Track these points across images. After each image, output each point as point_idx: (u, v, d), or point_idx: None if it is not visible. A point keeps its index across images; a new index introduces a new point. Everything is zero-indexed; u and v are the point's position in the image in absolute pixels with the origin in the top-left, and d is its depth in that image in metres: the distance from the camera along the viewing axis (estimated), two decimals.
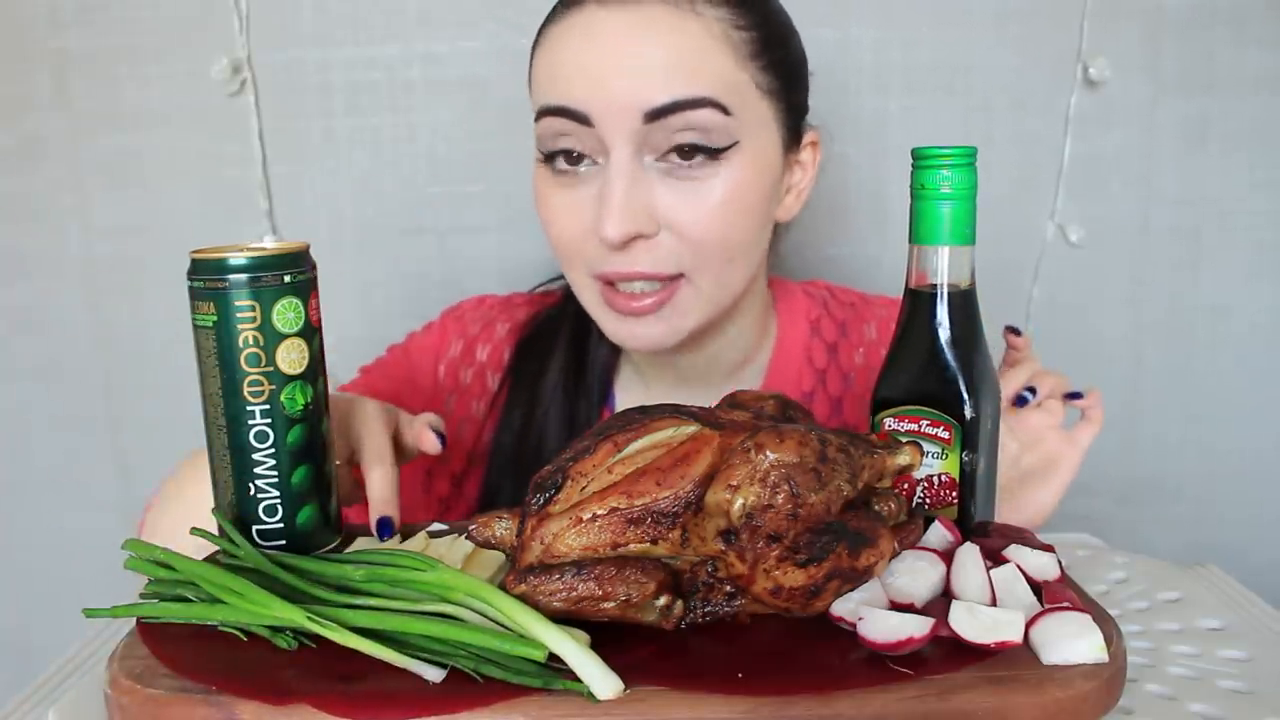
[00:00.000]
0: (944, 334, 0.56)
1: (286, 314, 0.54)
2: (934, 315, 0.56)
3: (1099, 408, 0.76)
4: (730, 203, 0.72)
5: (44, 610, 1.22)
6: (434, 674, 0.44)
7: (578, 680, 0.43)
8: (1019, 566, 0.50)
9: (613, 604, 0.46)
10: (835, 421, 0.88)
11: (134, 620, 0.50)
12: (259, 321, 0.54)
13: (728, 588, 0.49)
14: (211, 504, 0.57)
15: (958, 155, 0.54)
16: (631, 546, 0.48)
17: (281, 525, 0.56)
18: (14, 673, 1.13)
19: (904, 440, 0.54)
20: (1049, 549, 0.53)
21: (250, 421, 0.55)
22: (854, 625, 0.46)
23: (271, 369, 0.54)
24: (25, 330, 1.20)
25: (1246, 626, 0.63)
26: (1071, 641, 0.45)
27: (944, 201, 0.54)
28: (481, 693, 0.43)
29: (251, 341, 0.54)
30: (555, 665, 0.44)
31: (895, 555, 0.50)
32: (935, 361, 0.56)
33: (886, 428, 0.57)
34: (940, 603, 0.49)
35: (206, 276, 0.53)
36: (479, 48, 1.12)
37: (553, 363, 0.88)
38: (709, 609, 0.49)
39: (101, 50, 1.12)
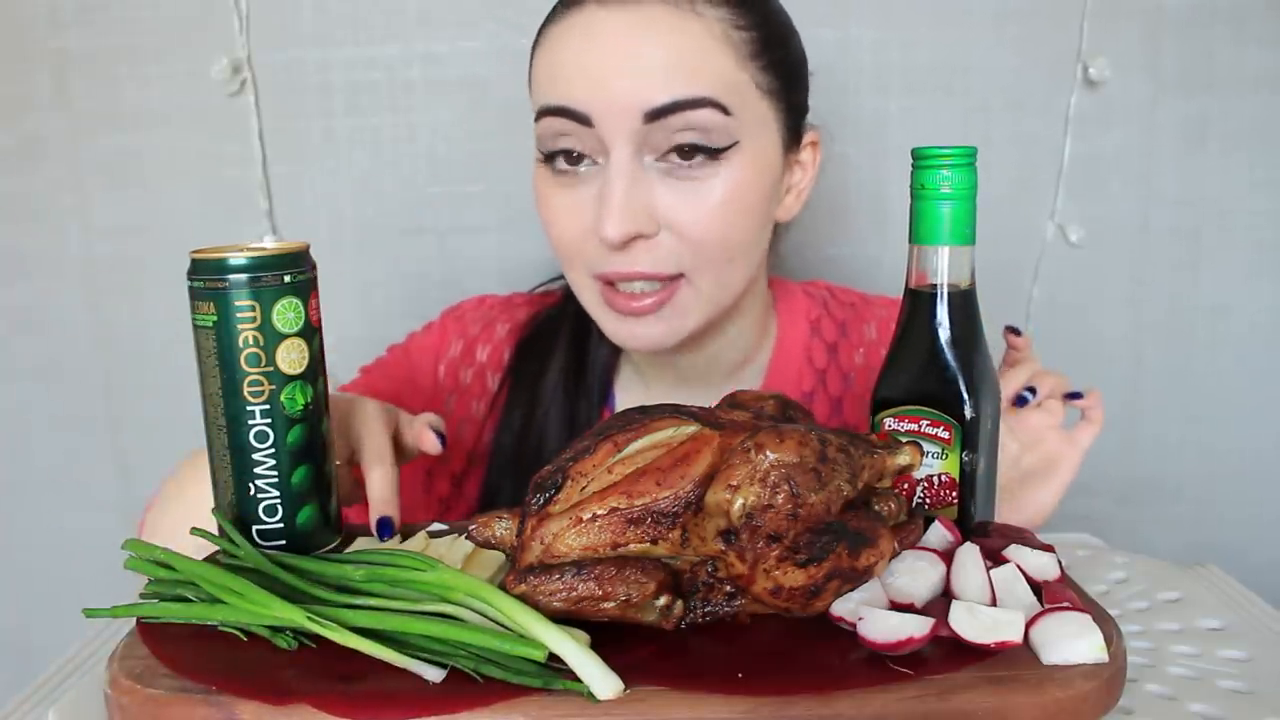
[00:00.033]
0: (944, 334, 0.56)
1: (286, 314, 0.54)
2: (934, 315, 0.56)
3: (1099, 408, 0.76)
4: (730, 203, 0.72)
5: (44, 610, 1.22)
6: (434, 674, 0.44)
7: (578, 680, 0.43)
8: (1019, 566, 0.50)
9: (613, 604, 0.46)
10: (835, 422, 0.88)
11: (134, 620, 0.50)
12: (259, 321, 0.54)
13: (728, 588, 0.49)
14: (211, 504, 0.57)
15: (958, 155, 0.54)
16: (631, 546, 0.48)
17: (281, 525, 0.56)
18: (14, 673, 1.13)
19: (904, 440, 0.54)
20: (1049, 549, 0.53)
21: (250, 421, 0.55)
22: (854, 625, 0.46)
23: (271, 369, 0.54)
24: (25, 330, 1.20)
25: (1246, 626, 0.63)
26: (1071, 641, 0.45)
27: (944, 201, 0.54)
28: (481, 693, 0.43)
29: (251, 341, 0.54)
30: (555, 665, 0.44)
31: (895, 555, 0.50)
32: (935, 361, 0.56)
33: (886, 428, 0.57)
34: (940, 603, 0.49)
35: (206, 276, 0.53)
36: (479, 48, 1.12)
37: (553, 363, 0.88)
38: (709, 609, 0.49)
39: (101, 50, 1.12)
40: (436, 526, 0.63)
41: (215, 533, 0.56)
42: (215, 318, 0.54)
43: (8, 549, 1.25)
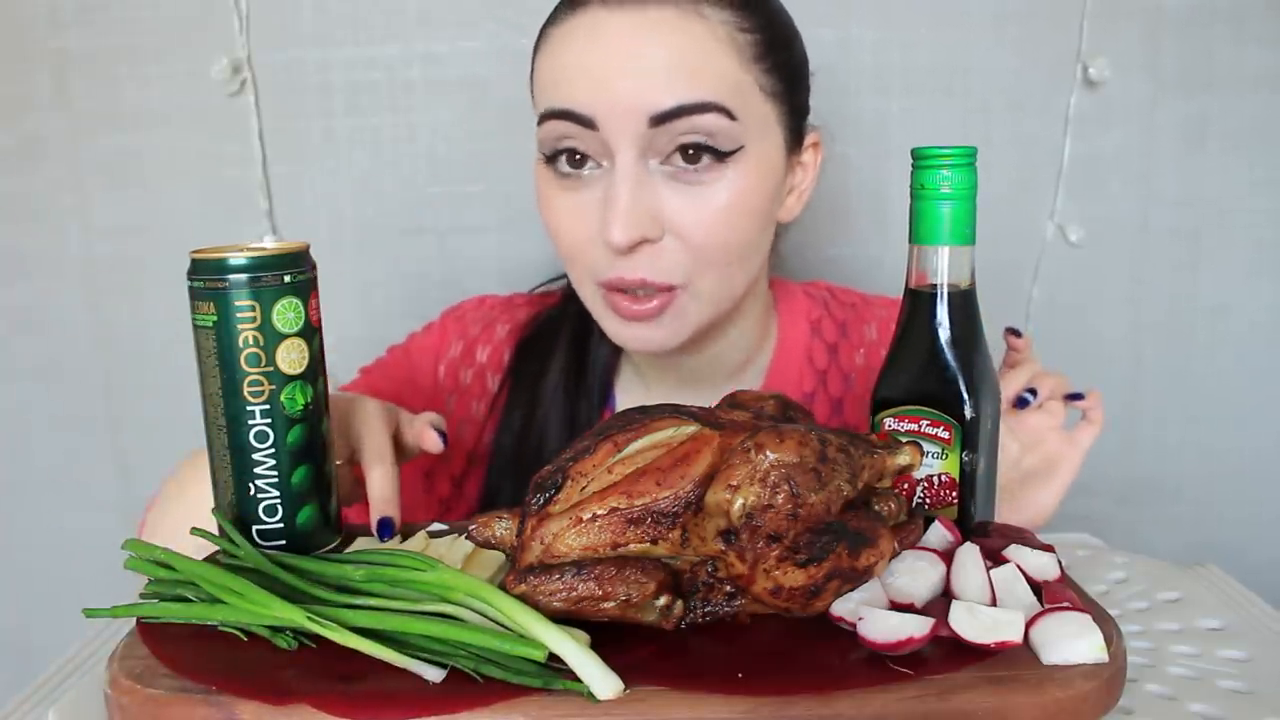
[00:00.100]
0: (944, 334, 0.56)
1: (286, 314, 0.54)
2: (934, 315, 0.56)
3: (1099, 409, 0.76)
4: (734, 207, 0.72)
5: (44, 610, 1.22)
6: (434, 674, 0.44)
7: (578, 680, 0.43)
8: (1019, 566, 0.51)
9: (613, 604, 0.46)
10: (836, 422, 0.88)
11: (134, 620, 0.50)
12: (259, 321, 0.54)
13: (728, 588, 0.49)
14: (211, 504, 0.57)
15: (957, 155, 0.54)
16: (631, 546, 0.48)
17: (281, 525, 0.56)
18: (14, 673, 1.13)
19: (904, 440, 0.54)
20: (1049, 549, 0.53)
21: (250, 421, 0.55)
22: (854, 625, 0.46)
23: (271, 369, 0.54)
24: (25, 330, 1.20)
25: (1246, 626, 0.63)
26: (1071, 641, 0.45)
27: (944, 201, 0.54)
28: (481, 693, 0.43)
29: (251, 341, 0.54)
30: (555, 665, 0.44)
31: (895, 555, 0.50)
32: (935, 361, 0.56)
33: (886, 428, 0.57)
34: (940, 603, 0.49)
35: (206, 276, 0.53)
36: (479, 48, 1.12)
37: (553, 363, 0.88)
38: (709, 609, 0.49)
39: (101, 50, 1.12)
40: (436, 526, 0.63)
41: (215, 533, 0.56)
42: (215, 318, 0.54)
43: (8, 549, 1.25)
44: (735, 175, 0.72)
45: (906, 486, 0.57)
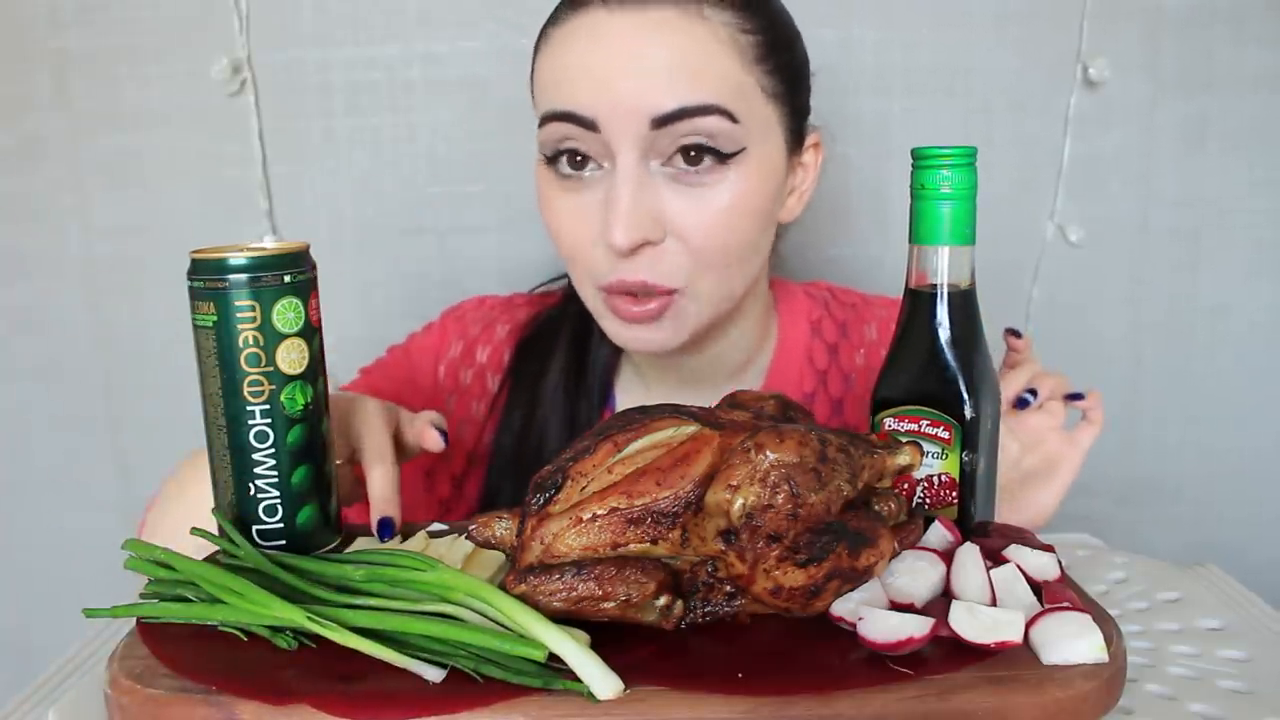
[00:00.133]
0: (944, 334, 0.56)
1: (286, 314, 0.54)
2: (934, 315, 0.56)
3: (1100, 409, 0.76)
4: (736, 208, 0.72)
5: (44, 610, 1.22)
6: (434, 674, 0.44)
7: (578, 680, 0.43)
8: (1019, 566, 0.51)
9: (613, 604, 0.46)
10: (836, 423, 0.88)
11: (134, 620, 0.50)
12: (259, 321, 0.54)
13: (728, 588, 0.49)
14: (211, 504, 0.57)
15: (958, 155, 0.54)
16: (631, 546, 0.48)
17: (281, 525, 0.56)
18: (14, 673, 1.13)
19: (904, 440, 0.54)
20: (1049, 549, 0.53)
21: (250, 421, 0.55)
22: (854, 625, 0.46)
23: (271, 369, 0.54)
24: (25, 330, 1.20)
25: (1246, 626, 0.63)
26: (1071, 641, 0.45)
27: (944, 201, 0.54)
28: (481, 693, 0.43)
29: (251, 341, 0.54)
30: (555, 665, 0.44)
31: (895, 555, 0.50)
32: (935, 361, 0.56)
33: (886, 428, 0.57)
34: (940, 603, 0.49)
35: (206, 276, 0.53)
36: (479, 48, 1.12)
37: (553, 364, 0.88)
38: (709, 609, 0.49)
39: (101, 50, 1.12)
40: (436, 526, 0.63)
41: (215, 533, 0.56)
42: (215, 318, 0.54)
43: (8, 549, 1.25)
44: (737, 177, 0.72)
45: (906, 486, 0.57)
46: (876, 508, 0.51)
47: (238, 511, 0.56)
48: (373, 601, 0.49)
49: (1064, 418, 0.75)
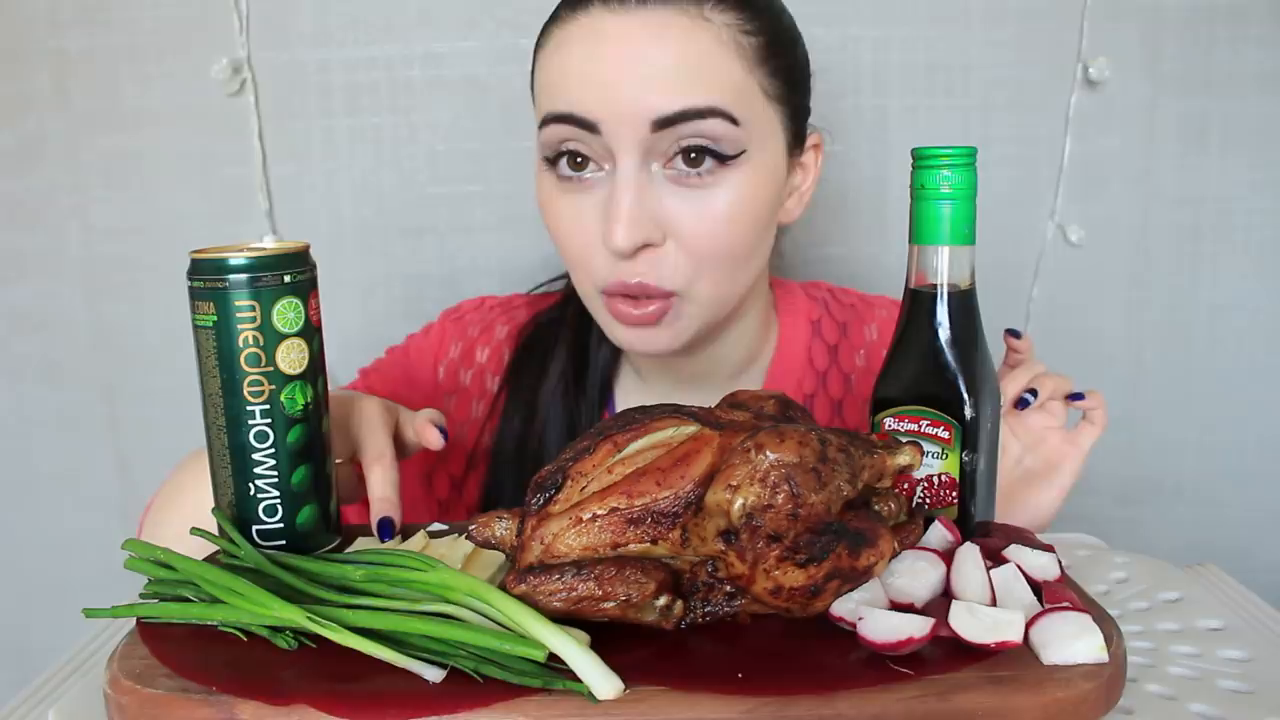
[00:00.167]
0: (944, 334, 0.56)
1: (286, 314, 0.54)
2: (934, 315, 0.56)
3: (1101, 409, 0.76)
4: (736, 210, 0.72)
5: (44, 610, 1.22)
6: (434, 674, 0.44)
7: (578, 680, 0.43)
8: (1019, 566, 0.50)
9: (613, 604, 0.46)
10: (836, 423, 0.88)
11: (134, 620, 0.50)
12: (259, 321, 0.54)
13: (728, 588, 0.49)
14: (211, 504, 0.57)
15: (958, 155, 0.54)
16: (631, 546, 0.48)
17: (281, 525, 0.56)
18: (14, 673, 1.13)
19: (904, 440, 0.54)
20: (1049, 549, 0.53)
21: (250, 421, 0.55)
22: (854, 625, 0.46)
23: (271, 369, 0.54)
24: (25, 330, 1.20)
25: (1246, 626, 0.63)
26: (1071, 641, 0.45)
27: (944, 201, 0.54)
28: (481, 693, 0.43)
29: (251, 341, 0.54)
30: (555, 665, 0.44)
31: (895, 555, 0.50)
32: (935, 361, 0.56)
33: (886, 428, 0.57)
34: (940, 603, 0.49)
35: (206, 276, 0.53)
36: (479, 48, 1.12)
37: (553, 364, 0.88)
38: (709, 609, 0.49)
39: (101, 50, 1.12)
40: (436, 526, 0.63)
41: (215, 533, 0.56)
42: (215, 318, 0.54)
43: (8, 549, 1.25)
44: (737, 179, 0.72)
45: (906, 486, 0.57)
46: (877, 508, 0.51)
47: (238, 511, 0.56)
48: (372, 601, 0.49)
49: (1065, 418, 0.75)
